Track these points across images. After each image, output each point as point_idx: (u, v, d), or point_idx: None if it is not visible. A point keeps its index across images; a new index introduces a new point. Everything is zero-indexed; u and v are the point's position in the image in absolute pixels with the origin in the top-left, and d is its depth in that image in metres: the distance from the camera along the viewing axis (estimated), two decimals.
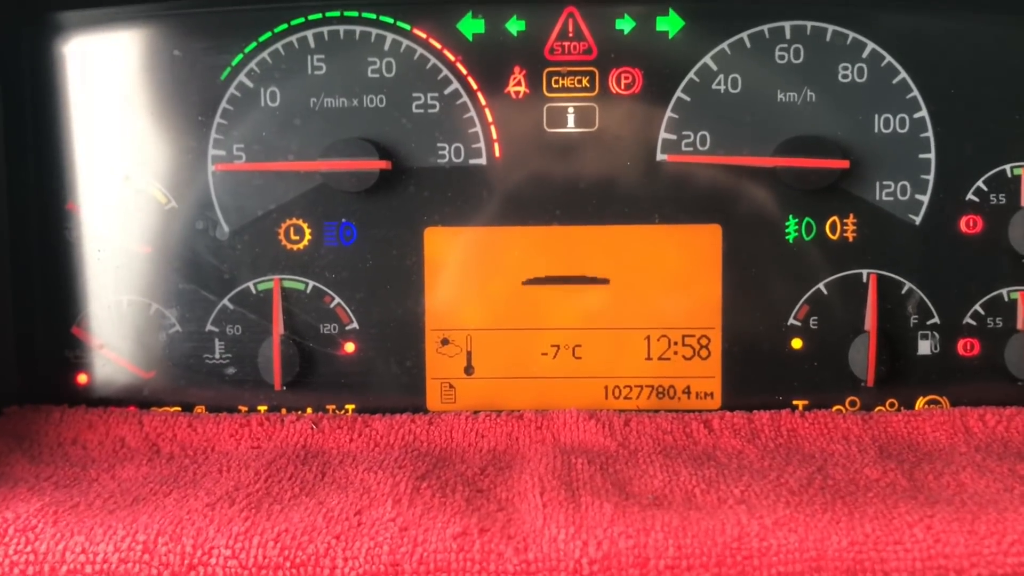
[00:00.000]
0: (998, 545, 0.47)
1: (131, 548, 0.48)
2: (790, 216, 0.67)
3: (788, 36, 0.67)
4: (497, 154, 0.68)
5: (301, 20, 0.68)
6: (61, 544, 0.49)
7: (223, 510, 0.52)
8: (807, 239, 0.67)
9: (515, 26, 0.68)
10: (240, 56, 0.68)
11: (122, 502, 0.54)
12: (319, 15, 0.68)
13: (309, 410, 0.69)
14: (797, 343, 0.68)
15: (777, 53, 0.67)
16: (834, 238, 0.67)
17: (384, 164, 0.67)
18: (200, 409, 0.69)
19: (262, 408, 0.69)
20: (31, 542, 0.49)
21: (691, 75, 0.67)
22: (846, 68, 0.67)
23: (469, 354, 0.69)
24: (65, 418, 0.67)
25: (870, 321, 0.67)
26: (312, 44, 0.68)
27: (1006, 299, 0.68)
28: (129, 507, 0.53)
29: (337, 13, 0.68)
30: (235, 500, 0.54)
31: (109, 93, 0.69)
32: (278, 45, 0.68)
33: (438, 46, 0.68)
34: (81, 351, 0.70)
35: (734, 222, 0.68)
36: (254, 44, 0.68)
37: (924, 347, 0.68)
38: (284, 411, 0.69)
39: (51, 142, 0.69)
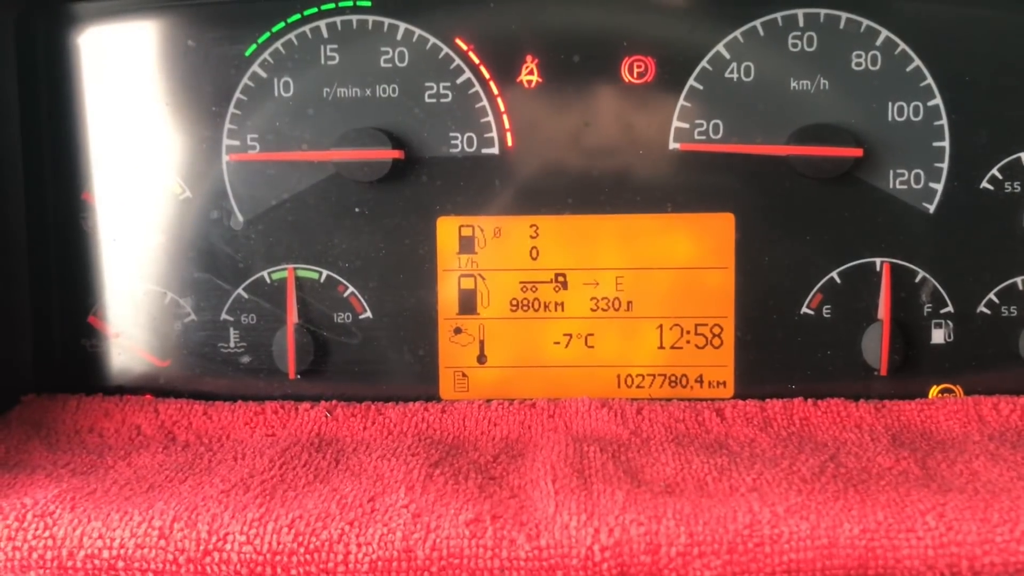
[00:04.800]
0: (1011, 533, 0.47)
1: (147, 534, 0.49)
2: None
3: (801, 24, 0.67)
4: (509, 143, 0.68)
5: (314, 10, 0.68)
6: (78, 530, 0.49)
7: (238, 497, 0.53)
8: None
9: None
10: (253, 46, 0.68)
11: (138, 489, 0.55)
12: (332, 5, 0.68)
13: (323, 399, 0.69)
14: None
15: (790, 41, 0.67)
16: None
17: (397, 154, 0.67)
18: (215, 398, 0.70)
19: (276, 396, 0.69)
20: (49, 527, 0.50)
21: (704, 63, 0.67)
22: (860, 56, 0.66)
23: (482, 343, 0.69)
24: (82, 406, 0.68)
25: (884, 310, 0.67)
26: (325, 34, 0.68)
27: (1020, 287, 0.67)
28: (145, 494, 0.54)
29: (350, 2, 0.68)
30: (250, 487, 0.54)
31: (123, 84, 0.69)
32: (291, 35, 0.68)
33: (451, 35, 0.68)
34: (97, 340, 0.71)
35: (747, 211, 0.68)
36: (267, 34, 0.68)
37: (938, 336, 0.68)
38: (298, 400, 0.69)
39: (66, 132, 0.70)
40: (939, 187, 0.67)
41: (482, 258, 0.69)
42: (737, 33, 0.67)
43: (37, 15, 0.69)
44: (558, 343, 0.69)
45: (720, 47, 0.67)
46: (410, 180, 0.69)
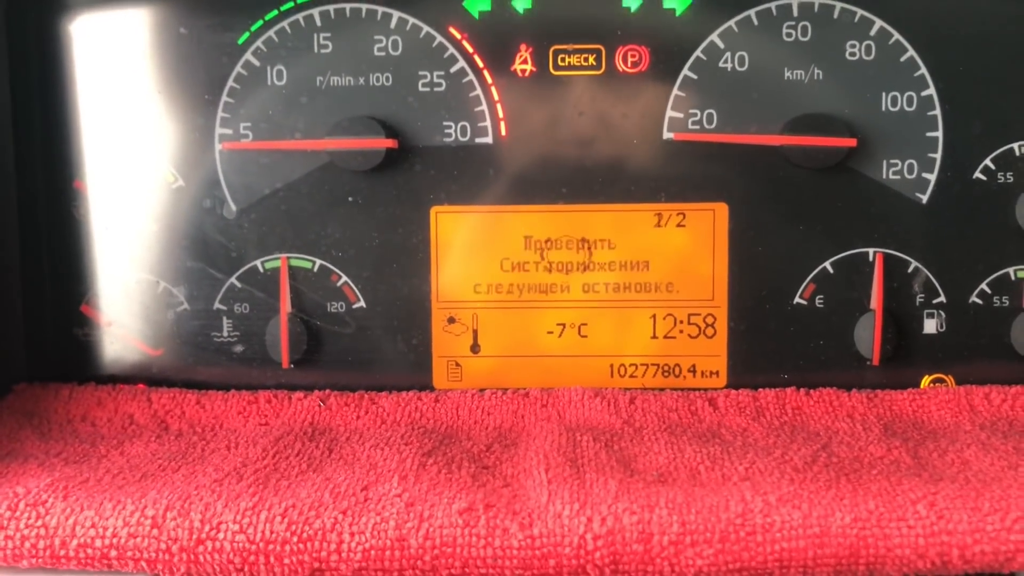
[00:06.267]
0: (1001, 522, 0.47)
1: (140, 523, 0.49)
2: None
3: (795, 13, 0.67)
4: (503, 133, 0.68)
5: None
6: (71, 519, 0.49)
7: (231, 486, 0.53)
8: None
9: (521, 3, 0.67)
10: (246, 34, 0.68)
11: (131, 478, 0.55)
12: None
13: (316, 388, 0.69)
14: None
15: (784, 31, 0.67)
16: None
17: (390, 143, 0.67)
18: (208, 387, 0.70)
19: (269, 385, 0.69)
20: (41, 516, 0.50)
21: (698, 53, 0.67)
22: (854, 46, 0.66)
23: (475, 332, 0.69)
24: (74, 395, 0.68)
25: (876, 300, 0.67)
26: (318, 22, 0.68)
27: (1013, 278, 0.67)
28: (138, 483, 0.54)
29: None
30: (243, 476, 0.54)
31: (116, 71, 0.69)
32: (284, 23, 0.68)
33: (444, 24, 0.68)
34: (90, 329, 0.71)
35: (741, 201, 0.68)
36: (260, 22, 0.68)
37: (930, 326, 0.68)
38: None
39: (58, 120, 0.69)
40: (932, 177, 0.67)
41: (476, 248, 0.68)
42: (731, 22, 0.67)
43: (28, 3, 0.69)
44: (551, 333, 0.69)
45: (714, 36, 0.67)
46: (403, 169, 0.68)
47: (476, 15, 0.68)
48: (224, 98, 0.68)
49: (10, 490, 0.52)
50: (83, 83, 0.69)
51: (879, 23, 0.66)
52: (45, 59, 0.69)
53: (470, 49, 0.68)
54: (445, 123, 0.68)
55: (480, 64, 0.68)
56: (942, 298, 0.68)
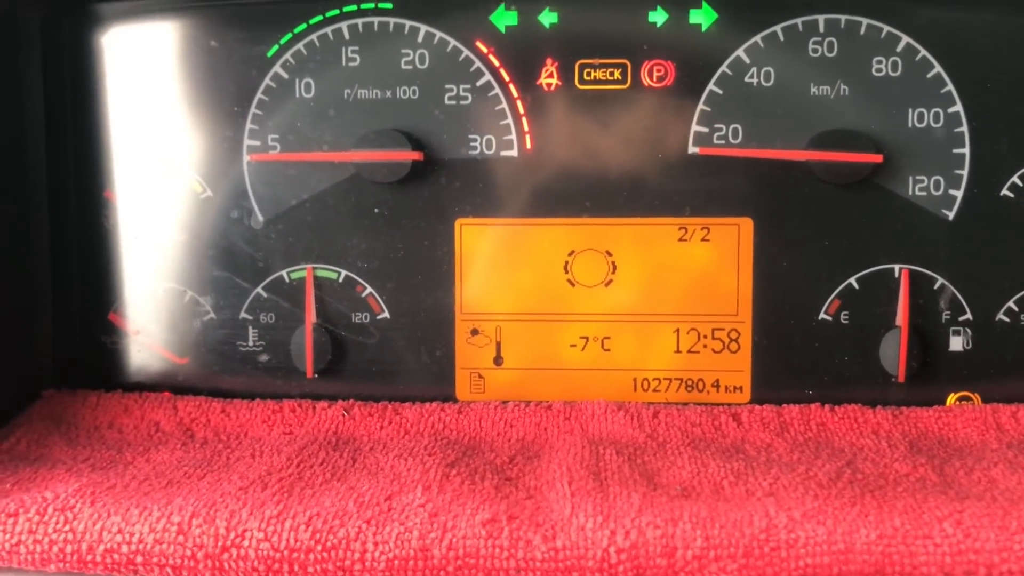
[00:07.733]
0: None
1: (166, 529, 0.49)
2: None
3: (822, 29, 0.67)
4: (528, 146, 0.68)
5: (336, 12, 0.68)
6: (98, 524, 0.50)
7: (256, 494, 0.53)
8: None
9: (548, 18, 0.68)
10: (275, 47, 0.69)
11: (157, 484, 0.55)
12: (354, 7, 0.68)
13: (340, 398, 0.70)
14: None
15: (810, 46, 0.67)
16: None
17: (416, 155, 0.68)
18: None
19: (294, 395, 0.70)
20: (69, 521, 0.50)
21: (724, 68, 0.67)
22: (880, 62, 0.66)
23: (498, 345, 0.69)
24: (101, 402, 0.68)
25: (902, 316, 0.67)
26: (347, 36, 0.69)
27: None
28: (164, 489, 0.54)
29: (371, 5, 0.68)
30: (268, 484, 0.55)
31: (147, 83, 0.70)
32: (313, 36, 0.69)
33: (471, 38, 0.68)
34: (117, 337, 0.72)
35: (766, 215, 0.68)
36: (289, 35, 0.69)
37: (956, 343, 0.67)
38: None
39: (90, 131, 0.70)
40: (959, 194, 0.67)
41: (499, 260, 0.69)
42: (757, 38, 0.67)
43: (62, 16, 0.70)
44: (574, 346, 0.69)
45: (740, 52, 0.67)
46: (429, 181, 0.69)
47: (503, 29, 0.68)
48: (253, 110, 0.69)
49: (39, 495, 0.52)
50: (114, 95, 0.70)
51: (906, 39, 0.66)
52: (78, 71, 0.70)
53: (496, 63, 0.68)
54: (471, 136, 0.68)
55: (506, 78, 0.68)
56: (968, 315, 0.67)
